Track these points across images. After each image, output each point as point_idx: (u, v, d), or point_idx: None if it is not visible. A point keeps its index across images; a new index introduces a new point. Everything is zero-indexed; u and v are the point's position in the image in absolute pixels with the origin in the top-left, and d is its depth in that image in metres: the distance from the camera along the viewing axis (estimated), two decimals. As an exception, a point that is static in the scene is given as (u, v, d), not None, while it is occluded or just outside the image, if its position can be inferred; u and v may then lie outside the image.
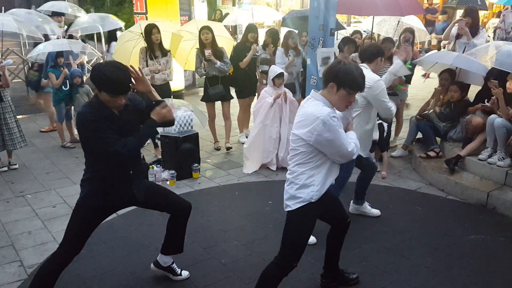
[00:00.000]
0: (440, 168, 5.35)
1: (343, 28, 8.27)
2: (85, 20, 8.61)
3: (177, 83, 8.58)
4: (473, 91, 6.02)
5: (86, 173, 2.99)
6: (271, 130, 5.66)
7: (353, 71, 2.71)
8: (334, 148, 2.70)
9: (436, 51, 10.35)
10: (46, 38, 7.63)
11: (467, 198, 4.89)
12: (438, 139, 5.90)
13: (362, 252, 3.85)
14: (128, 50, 6.48)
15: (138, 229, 4.26)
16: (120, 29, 9.05)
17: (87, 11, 11.40)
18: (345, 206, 3.42)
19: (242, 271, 3.57)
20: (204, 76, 6.30)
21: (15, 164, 5.91)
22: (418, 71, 8.75)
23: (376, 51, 4.05)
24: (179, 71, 8.87)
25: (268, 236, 4.11)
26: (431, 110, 5.96)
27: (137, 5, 8.77)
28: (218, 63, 6.03)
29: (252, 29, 6.61)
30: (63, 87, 6.60)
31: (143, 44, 6.13)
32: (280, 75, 5.66)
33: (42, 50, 6.65)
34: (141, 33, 6.15)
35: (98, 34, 9.71)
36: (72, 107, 6.83)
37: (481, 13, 12.88)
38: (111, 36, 8.37)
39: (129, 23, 12.10)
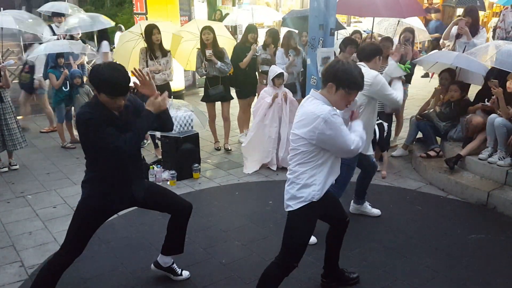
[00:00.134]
0: (440, 167, 5.35)
1: (343, 28, 8.27)
2: (75, 20, 8.56)
3: (177, 83, 8.59)
4: (473, 90, 6.03)
5: (87, 174, 2.99)
6: (270, 130, 5.66)
7: (352, 71, 2.70)
8: (337, 146, 2.71)
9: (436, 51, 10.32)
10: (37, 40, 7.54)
11: (467, 198, 4.89)
12: (438, 138, 5.91)
13: (362, 251, 3.85)
14: (128, 51, 6.49)
15: (139, 229, 4.26)
16: (120, 29, 9.06)
17: (87, 12, 11.38)
18: (345, 206, 3.42)
19: (243, 271, 3.57)
20: (205, 76, 6.31)
21: (16, 165, 5.91)
22: (418, 71, 8.76)
23: (374, 50, 4.04)
24: (179, 71, 8.88)
25: (269, 236, 4.11)
26: (431, 110, 5.96)
27: (137, 5, 8.78)
28: (219, 63, 6.03)
29: (252, 29, 6.61)
30: (63, 87, 6.61)
31: (143, 44, 6.13)
32: (280, 75, 5.66)
33: (43, 51, 6.65)
34: (141, 34, 6.16)
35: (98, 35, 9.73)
36: (72, 108, 6.83)
37: (481, 13, 12.88)
38: (102, 36, 8.36)
39: (129, 24, 12.11)
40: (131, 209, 4.20)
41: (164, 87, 6.02)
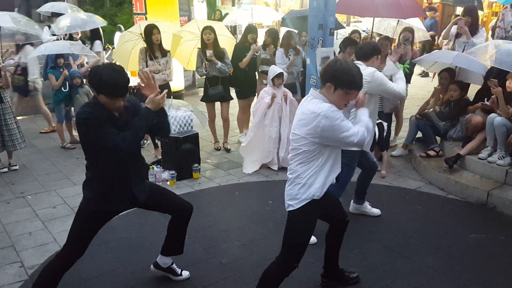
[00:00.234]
0: (440, 167, 5.35)
1: (343, 27, 8.27)
2: (67, 20, 8.52)
3: (177, 83, 8.59)
4: (473, 90, 6.03)
5: (87, 175, 2.99)
6: (271, 129, 5.66)
7: (350, 70, 2.70)
8: (341, 141, 2.71)
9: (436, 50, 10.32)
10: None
11: (467, 197, 4.89)
12: (438, 138, 5.91)
13: (362, 251, 3.85)
14: (128, 51, 6.49)
15: (139, 230, 4.26)
16: (120, 29, 9.05)
17: (87, 12, 11.38)
18: (345, 206, 3.42)
19: (243, 271, 3.57)
20: (204, 76, 6.31)
21: (15, 165, 5.91)
22: (418, 70, 8.76)
23: (372, 49, 4.02)
24: (179, 71, 8.88)
25: (268, 236, 4.11)
26: (431, 109, 5.97)
27: (136, 5, 8.78)
28: (219, 63, 6.03)
29: (251, 29, 6.61)
30: (62, 88, 6.61)
31: (142, 44, 6.13)
32: (280, 75, 5.66)
33: (43, 51, 6.65)
34: (141, 34, 6.16)
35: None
36: (72, 108, 6.83)
37: (480, 13, 12.87)
38: (95, 35, 8.34)
39: (129, 24, 12.12)
40: (131, 210, 4.20)
41: (164, 87, 6.01)
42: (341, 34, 7.49)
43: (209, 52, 5.97)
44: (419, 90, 9.44)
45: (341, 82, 2.68)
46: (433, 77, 9.50)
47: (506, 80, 5.09)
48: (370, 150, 4.44)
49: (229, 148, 6.59)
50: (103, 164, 2.89)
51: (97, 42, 8.16)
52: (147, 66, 5.94)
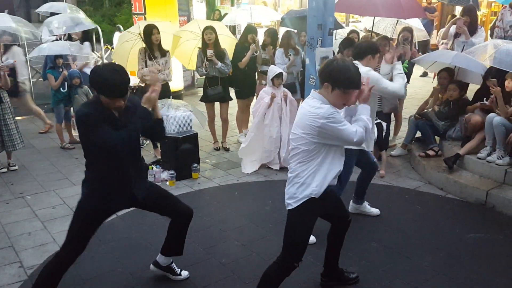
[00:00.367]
0: (439, 167, 5.35)
1: (342, 27, 8.27)
2: (55, 23, 8.49)
3: (176, 83, 8.59)
4: (472, 89, 6.03)
5: (86, 174, 2.99)
6: (271, 129, 5.66)
7: (347, 69, 2.70)
8: (340, 140, 2.73)
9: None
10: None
11: (466, 197, 4.90)
12: (437, 138, 5.91)
13: (362, 251, 3.85)
14: (126, 51, 6.49)
15: (138, 230, 4.26)
16: (119, 29, 9.05)
17: (86, 12, 11.38)
18: (345, 206, 3.41)
19: (242, 271, 3.57)
20: (204, 76, 6.31)
21: (15, 165, 5.91)
22: (417, 70, 8.77)
23: (366, 48, 3.98)
24: (178, 71, 8.88)
25: (268, 236, 4.11)
26: (430, 109, 5.97)
27: (135, 5, 8.77)
28: (219, 64, 6.03)
29: (251, 29, 6.61)
30: (61, 88, 6.60)
31: (141, 44, 6.13)
32: (279, 75, 5.66)
33: (43, 51, 6.65)
34: (139, 34, 6.16)
35: (97, 36, 9.71)
36: (71, 108, 6.82)
37: (479, 12, 12.87)
38: (84, 37, 8.34)
39: (128, 24, 12.13)
40: (130, 210, 4.20)
41: (163, 87, 6.00)
42: (339, 35, 7.50)
43: (209, 52, 5.97)
44: (419, 90, 9.45)
45: (338, 81, 2.69)
46: (433, 78, 9.52)
47: (505, 79, 5.10)
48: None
49: (228, 147, 6.59)
50: (102, 163, 2.90)
51: (86, 44, 8.16)
52: (146, 66, 5.94)
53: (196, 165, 5.57)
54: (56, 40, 7.74)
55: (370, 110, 2.96)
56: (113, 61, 9.54)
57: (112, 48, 9.83)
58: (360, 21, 14.15)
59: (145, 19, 8.36)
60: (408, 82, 6.34)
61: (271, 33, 6.80)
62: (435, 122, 5.78)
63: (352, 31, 7.17)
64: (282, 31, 7.45)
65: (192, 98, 9.43)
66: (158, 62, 6.02)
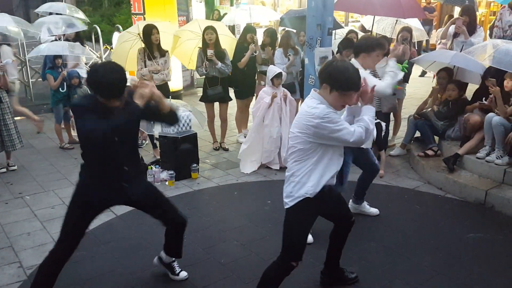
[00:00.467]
0: (438, 166, 5.36)
1: (341, 27, 8.27)
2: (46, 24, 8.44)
3: (175, 83, 8.59)
4: (471, 89, 6.04)
5: (81, 166, 3.02)
6: (271, 130, 5.65)
7: (346, 71, 2.70)
8: (336, 140, 2.73)
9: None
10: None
11: (465, 197, 4.90)
12: (436, 137, 5.91)
13: (361, 251, 3.85)
14: (125, 51, 6.49)
15: (138, 230, 4.26)
16: (118, 29, 9.05)
17: (85, 12, 11.38)
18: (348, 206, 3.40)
19: (242, 271, 3.58)
20: (204, 76, 6.30)
21: (14, 166, 5.91)
22: (416, 70, 8.77)
23: (361, 46, 3.93)
24: (177, 71, 8.88)
25: (267, 236, 4.11)
26: (429, 109, 5.98)
27: (134, 5, 8.76)
28: (219, 64, 6.03)
29: (250, 29, 6.61)
30: (60, 88, 6.60)
31: (140, 44, 6.13)
32: (279, 75, 5.66)
33: (42, 51, 6.64)
34: (138, 34, 6.16)
35: (96, 36, 9.71)
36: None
37: (479, 12, 12.87)
38: (75, 38, 8.34)
39: (127, 24, 12.12)
40: (129, 210, 4.22)
41: (163, 87, 6.02)
42: (338, 35, 7.49)
43: (210, 52, 5.97)
44: (418, 90, 9.45)
45: (336, 83, 2.69)
46: (433, 78, 9.53)
47: (504, 79, 5.10)
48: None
49: (227, 147, 6.59)
50: (91, 152, 2.92)
51: (77, 44, 8.15)
52: (145, 66, 5.94)
53: (195, 165, 5.57)
54: (55, 40, 7.73)
55: (373, 112, 2.94)
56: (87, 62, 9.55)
57: (111, 48, 9.82)
58: (359, 21, 14.14)
59: (144, 19, 8.36)
60: (407, 82, 6.37)
61: (270, 33, 6.80)
62: (434, 122, 5.79)
63: (351, 31, 7.17)
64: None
65: (191, 98, 9.43)
66: (158, 62, 6.03)
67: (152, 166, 5.55)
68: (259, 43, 6.76)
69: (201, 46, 6.18)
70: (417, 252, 3.84)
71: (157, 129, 5.68)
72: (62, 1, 11.01)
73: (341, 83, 2.69)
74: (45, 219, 4.51)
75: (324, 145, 2.76)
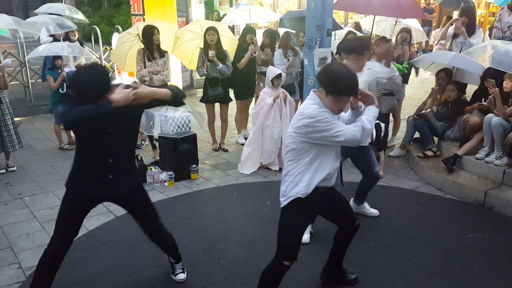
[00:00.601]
0: (437, 167, 5.36)
1: (341, 28, 8.28)
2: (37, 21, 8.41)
3: (174, 84, 8.58)
4: (470, 90, 6.04)
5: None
6: (273, 130, 5.64)
7: (341, 76, 2.69)
8: (327, 140, 2.74)
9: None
10: None
11: (464, 197, 4.90)
12: (435, 138, 5.92)
13: (361, 251, 3.85)
14: (125, 51, 6.49)
15: (137, 231, 4.20)
16: (118, 30, 9.06)
17: (85, 13, 11.39)
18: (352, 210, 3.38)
19: (241, 272, 3.58)
20: (204, 77, 6.30)
21: (13, 166, 5.90)
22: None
23: (345, 48, 3.88)
24: (177, 72, 8.88)
25: (267, 236, 4.11)
26: (428, 110, 5.98)
27: (134, 6, 8.77)
28: (220, 65, 6.03)
29: (250, 30, 6.61)
30: (60, 89, 6.59)
31: (139, 45, 6.13)
32: (279, 75, 5.66)
33: (41, 53, 6.64)
34: (138, 35, 6.16)
35: (96, 36, 9.72)
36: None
37: (478, 13, 12.88)
38: (65, 38, 8.34)
39: (126, 25, 12.13)
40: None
41: (162, 88, 6.02)
42: (338, 35, 7.50)
43: (211, 53, 5.97)
44: (417, 91, 9.46)
45: (331, 87, 2.71)
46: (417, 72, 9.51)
47: (503, 80, 5.10)
48: (369, 147, 4.41)
49: (226, 148, 6.59)
50: (81, 148, 2.95)
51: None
52: (145, 67, 5.94)
53: (194, 166, 5.57)
54: (55, 40, 7.74)
55: (375, 112, 2.92)
56: (111, 63, 9.58)
57: (111, 49, 9.83)
58: (358, 22, 14.14)
59: (144, 20, 8.36)
60: (406, 82, 6.37)
61: (270, 34, 6.80)
62: (434, 123, 5.79)
63: (350, 32, 7.18)
64: (281, 32, 7.45)
65: (191, 99, 9.41)
66: (157, 62, 6.03)
67: (151, 167, 5.54)
68: (259, 44, 6.76)
69: (202, 46, 6.19)
70: (417, 253, 3.84)
71: (157, 130, 5.68)
72: (61, 2, 11.02)
73: (335, 88, 2.70)
74: (44, 220, 4.50)
75: (318, 145, 2.78)
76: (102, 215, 4.48)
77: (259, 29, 10.17)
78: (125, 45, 6.47)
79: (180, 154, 5.48)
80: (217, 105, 6.50)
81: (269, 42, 6.71)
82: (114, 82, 7.55)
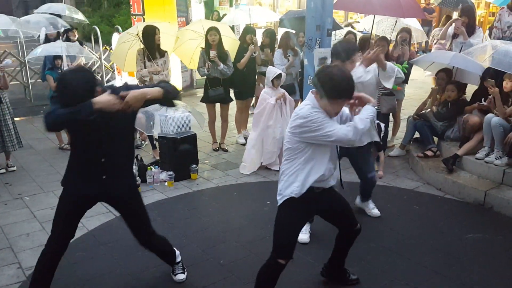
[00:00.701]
0: (437, 167, 5.36)
1: (341, 28, 8.28)
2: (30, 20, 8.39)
3: (174, 84, 8.58)
4: (470, 90, 6.05)
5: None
6: (275, 130, 5.64)
7: (334, 79, 2.67)
8: (318, 139, 2.74)
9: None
10: None
11: (464, 197, 4.90)
12: (435, 138, 5.92)
13: (361, 251, 3.85)
14: (124, 51, 6.49)
15: (137, 231, 4.25)
16: (118, 30, 9.06)
17: (85, 13, 11.38)
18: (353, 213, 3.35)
19: (241, 272, 3.58)
20: (205, 77, 6.30)
21: (13, 166, 5.90)
22: (416, 70, 8.77)
23: (333, 52, 3.82)
24: (177, 72, 8.88)
25: (267, 237, 4.09)
26: (428, 110, 5.98)
27: (134, 6, 8.77)
28: (221, 65, 6.03)
29: (250, 30, 6.61)
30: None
31: (138, 45, 6.13)
32: (279, 76, 5.65)
33: (40, 53, 6.64)
34: (137, 35, 6.16)
35: (96, 36, 9.72)
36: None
37: (478, 12, 12.86)
38: (56, 37, 8.33)
39: (126, 25, 12.13)
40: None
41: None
42: (338, 35, 7.51)
43: (212, 53, 5.97)
44: (417, 91, 9.47)
45: (325, 90, 2.71)
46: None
47: (502, 80, 5.11)
48: (367, 150, 4.41)
49: (226, 148, 6.59)
50: (73, 144, 2.99)
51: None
52: (145, 67, 5.94)
53: (194, 165, 5.57)
54: (47, 40, 7.74)
55: (373, 112, 2.89)
56: (111, 63, 9.58)
57: (111, 49, 9.83)
58: (358, 22, 14.15)
59: (144, 20, 8.37)
60: (406, 83, 6.37)
61: (270, 34, 6.80)
62: (434, 123, 5.79)
63: (349, 32, 7.18)
64: (280, 32, 7.45)
65: (190, 99, 9.42)
66: (157, 62, 6.03)
67: (151, 166, 5.54)
68: (259, 43, 6.76)
69: (202, 46, 6.18)
70: (417, 253, 3.85)
71: (157, 130, 5.68)
72: (61, 2, 11.02)
73: (328, 91, 2.70)
74: (44, 220, 4.50)
75: (314, 146, 2.79)
76: (102, 215, 4.48)
77: (259, 29, 10.18)
78: (125, 45, 6.47)
79: (180, 154, 5.48)
80: (217, 105, 6.50)
81: (269, 42, 6.71)
82: (114, 82, 7.57)
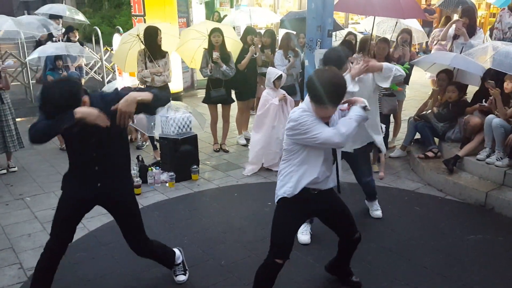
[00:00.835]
0: (438, 168, 5.36)
1: (341, 29, 8.30)
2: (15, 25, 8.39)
3: (175, 85, 8.59)
4: (471, 91, 6.05)
5: None
6: (278, 131, 5.63)
7: (319, 85, 2.65)
8: (308, 142, 2.75)
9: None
10: None
11: (465, 198, 4.90)
12: (436, 139, 5.92)
13: (361, 252, 3.83)
14: (125, 52, 6.49)
15: (138, 231, 4.25)
16: (119, 31, 9.07)
17: (85, 14, 11.40)
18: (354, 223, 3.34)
19: (241, 272, 3.57)
20: (207, 78, 6.31)
21: (14, 167, 5.91)
22: (417, 71, 8.77)
23: (323, 59, 3.80)
24: (178, 73, 8.88)
25: (267, 237, 4.04)
26: (429, 111, 5.98)
27: (135, 7, 8.77)
28: (224, 66, 6.04)
29: (250, 31, 6.62)
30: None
31: (139, 46, 6.14)
32: (280, 77, 5.65)
33: (40, 53, 6.65)
34: (137, 35, 6.16)
35: (96, 37, 9.73)
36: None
37: (479, 13, 12.87)
38: (50, 39, 8.32)
39: (127, 26, 12.13)
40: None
41: (163, 88, 6.03)
42: (339, 36, 7.52)
43: (215, 54, 5.97)
44: (418, 92, 9.47)
45: (311, 95, 2.73)
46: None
47: (503, 81, 5.11)
48: (367, 151, 4.41)
49: (227, 149, 6.59)
50: (68, 150, 3.01)
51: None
52: (146, 68, 5.95)
53: (195, 166, 5.57)
54: (55, 41, 7.76)
55: (359, 112, 2.83)
56: (112, 63, 9.59)
57: (112, 50, 9.84)
58: (359, 23, 14.16)
59: (145, 21, 8.37)
60: (407, 84, 6.37)
61: (270, 34, 6.80)
62: (434, 124, 5.79)
63: (349, 33, 7.19)
64: (281, 33, 7.45)
65: (191, 100, 9.43)
66: (158, 63, 6.03)
67: (152, 167, 5.54)
68: (259, 45, 6.76)
69: (205, 47, 6.18)
70: (417, 254, 3.84)
71: (158, 131, 5.68)
72: (62, 3, 11.03)
73: (313, 96, 2.71)
74: (45, 221, 4.50)
75: (308, 148, 2.81)
76: (103, 215, 4.48)
77: (259, 30, 10.19)
78: (125, 45, 6.48)
79: (181, 154, 5.48)
80: (219, 105, 6.50)
81: (270, 43, 6.71)
82: (115, 82, 7.58)
